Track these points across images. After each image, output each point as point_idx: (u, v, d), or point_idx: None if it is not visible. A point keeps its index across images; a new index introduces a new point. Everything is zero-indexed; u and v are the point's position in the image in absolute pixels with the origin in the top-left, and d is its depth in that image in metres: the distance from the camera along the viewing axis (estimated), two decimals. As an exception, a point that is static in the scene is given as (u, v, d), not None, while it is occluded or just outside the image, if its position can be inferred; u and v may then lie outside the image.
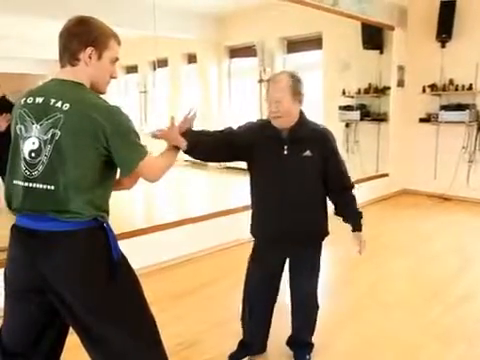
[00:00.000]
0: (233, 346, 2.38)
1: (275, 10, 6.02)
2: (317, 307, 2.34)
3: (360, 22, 5.95)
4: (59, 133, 1.42)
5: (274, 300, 2.31)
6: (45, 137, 1.43)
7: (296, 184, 2.04)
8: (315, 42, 6.94)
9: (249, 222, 2.23)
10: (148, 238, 3.67)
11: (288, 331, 2.43)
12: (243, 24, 7.65)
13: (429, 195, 6.33)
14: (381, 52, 6.33)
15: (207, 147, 2.02)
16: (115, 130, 1.46)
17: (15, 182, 1.49)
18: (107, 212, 1.56)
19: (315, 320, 2.36)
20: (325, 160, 2.07)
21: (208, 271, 3.72)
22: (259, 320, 2.32)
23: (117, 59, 1.60)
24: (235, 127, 2.15)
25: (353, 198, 2.20)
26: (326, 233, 2.23)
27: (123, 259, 1.59)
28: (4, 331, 1.60)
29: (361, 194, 5.82)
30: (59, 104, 1.44)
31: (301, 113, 2.08)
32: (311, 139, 2.04)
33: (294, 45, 7.43)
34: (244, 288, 2.29)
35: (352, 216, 2.19)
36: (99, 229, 1.50)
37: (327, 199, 2.20)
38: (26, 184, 1.46)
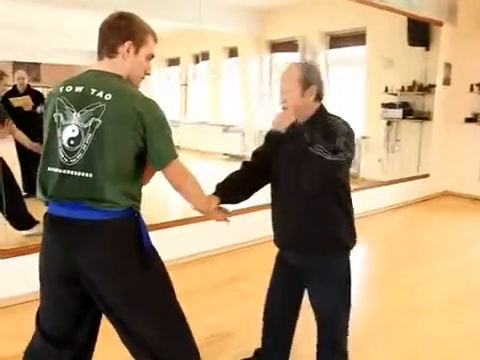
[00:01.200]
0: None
1: (318, 5, 5.95)
2: (342, 332, 1.95)
3: (406, 17, 5.78)
4: (100, 122, 1.45)
5: (292, 316, 2.05)
6: (85, 125, 1.46)
7: (306, 184, 1.77)
8: (358, 38, 6.79)
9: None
10: (183, 229, 3.73)
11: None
12: (285, 18, 7.59)
13: (472, 198, 6.11)
14: (427, 49, 6.13)
15: (242, 189, 1.95)
16: (153, 121, 1.49)
17: (50, 169, 1.50)
18: (140, 201, 1.58)
19: (340, 343, 1.97)
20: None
21: (244, 264, 3.74)
22: (276, 340, 2.08)
23: (152, 56, 1.63)
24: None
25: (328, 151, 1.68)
26: (344, 243, 1.88)
27: (153, 250, 1.61)
28: (42, 315, 1.64)
29: (400, 194, 5.78)
30: (100, 94, 1.46)
31: (321, 107, 1.85)
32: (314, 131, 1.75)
33: (337, 40, 7.30)
34: (266, 294, 2.10)
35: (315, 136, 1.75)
36: (132, 218, 1.53)
37: (350, 203, 1.90)
38: (63, 171, 1.48)
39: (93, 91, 1.48)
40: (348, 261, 1.93)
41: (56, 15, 5.80)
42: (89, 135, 1.45)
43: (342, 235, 1.86)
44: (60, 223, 1.51)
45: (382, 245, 4.23)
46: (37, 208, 4.05)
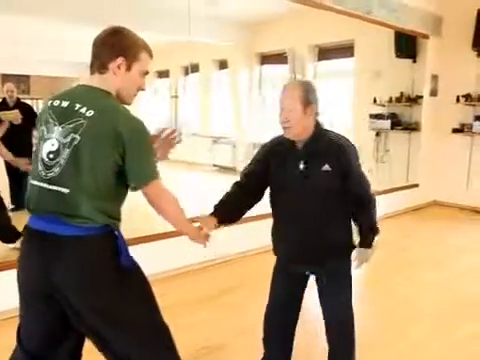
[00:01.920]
0: (257, 353, 2.36)
1: (307, 18, 6.01)
2: (352, 325, 2.12)
3: (393, 30, 5.88)
4: (78, 138, 1.43)
5: (292, 322, 2.15)
6: (64, 140, 1.44)
7: (315, 201, 1.91)
8: (347, 50, 6.89)
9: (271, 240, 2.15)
10: (170, 242, 3.69)
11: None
12: (275, 31, 7.66)
13: (461, 208, 6.17)
14: (414, 61, 6.22)
15: (237, 211, 2.00)
16: (134, 140, 1.46)
17: (32, 182, 1.51)
18: (119, 219, 1.55)
19: (353, 340, 2.14)
20: (344, 176, 1.91)
21: (233, 277, 3.72)
22: (281, 347, 2.18)
23: (147, 72, 1.60)
24: (249, 162, 2.08)
25: (372, 214, 2.03)
26: (351, 246, 2.08)
27: (134, 265, 1.58)
28: (22, 332, 1.60)
29: (390, 204, 5.80)
30: (83, 110, 1.45)
31: (317, 124, 1.95)
32: (328, 152, 1.89)
33: (325, 52, 7.39)
34: (267, 305, 2.18)
35: (365, 231, 2.03)
36: (109, 235, 1.50)
37: (349, 214, 2.05)
38: (41, 184, 1.47)
39: (77, 106, 1.47)
40: (350, 264, 2.10)
41: (45, 27, 5.80)
42: (67, 150, 1.44)
43: (348, 243, 2.05)
44: (37, 237, 1.49)
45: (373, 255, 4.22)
46: (23, 221, 4.02)
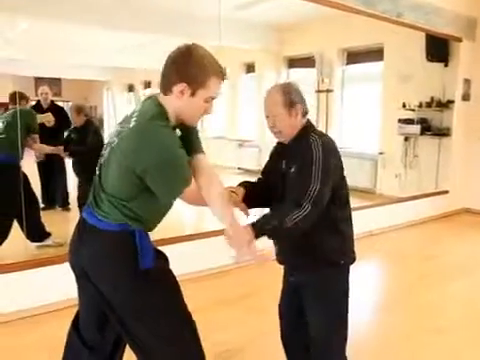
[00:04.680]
0: (277, 357, 2.35)
1: (336, 21, 5.97)
2: (337, 352, 1.89)
3: (424, 33, 5.77)
4: (116, 142, 1.49)
5: (301, 331, 1.97)
6: (111, 139, 1.53)
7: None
8: (376, 53, 6.79)
9: None
10: (195, 244, 3.72)
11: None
12: (303, 34, 7.64)
13: (493, 216, 5.99)
14: (446, 64, 6.09)
15: (261, 195, 1.92)
16: (150, 173, 1.43)
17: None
18: (139, 220, 1.54)
19: None
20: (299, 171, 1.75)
21: (255, 280, 3.71)
22: (292, 356, 2.09)
23: (214, 98, 1.54)
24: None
25: (290, 215, 1.62)
26: (337, 259, 1.84)
27: (157, 263, 1.59)
28: (80, 317, 1.71)
29: (418, 211, 5.70)
30: (133, 119, 1.47)
31: (305, 125, 1.86)
32: (299, 152, 1.76)
33: (354, 56, 7.31)
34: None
35: (270, 216, 1.71)
36: (128, 234, 1.52)
37: (341, 220, 1.85)
38: (98, 170, 1.58)
39: (134, 114, 1.51)
40: (342, 278, 1.88)
41: (77, 32, 5.94)
42: (108, 149, 1.53)
43: (329, 252, 1.82)
44: (79, 223, 1.61)
45: (399, 262, 4.16)
46: (53, 220, 4.12)
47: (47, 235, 3.88)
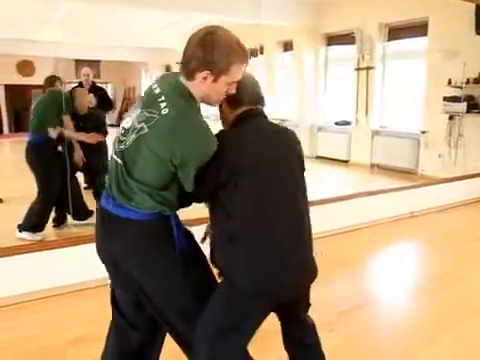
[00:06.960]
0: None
1: (377, -6, 5.76)
2: None
3: (474, 4, 5.45)
4: (146, 130, 1.43)
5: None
6: (136, 125, 1.46)
7: None
8: (419, 28, 6.51)
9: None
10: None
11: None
12: (342, 10, 7.41)
13: None
14: (496, 38, 5.76)
15: None
16: (186, 158, 1.43)
17: (112, 156, 1.56)
18: (172, 205, 1.54)
19: None
20: None
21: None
22: None
23: (236, 82, 1.52)
24: None
25: None
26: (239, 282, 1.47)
27: (193, 250, 1.60)
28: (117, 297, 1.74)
29: (462, 192, 5.48)
30: (162, 105, 1.44)
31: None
32: None
33: (396, 32, 7.05)
34: None
35: None
36: (163, 220, 1.52)
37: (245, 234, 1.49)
38: (115, 157, 1.52)
39: (161, 98, 1.46)
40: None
41: (115, 14, 5.99)
42: (133, 136, 1.46)
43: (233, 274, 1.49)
44: (103, 215, 1.58)
45: (442, 245, 4.03)
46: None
47: (90, 213, 3.99)
